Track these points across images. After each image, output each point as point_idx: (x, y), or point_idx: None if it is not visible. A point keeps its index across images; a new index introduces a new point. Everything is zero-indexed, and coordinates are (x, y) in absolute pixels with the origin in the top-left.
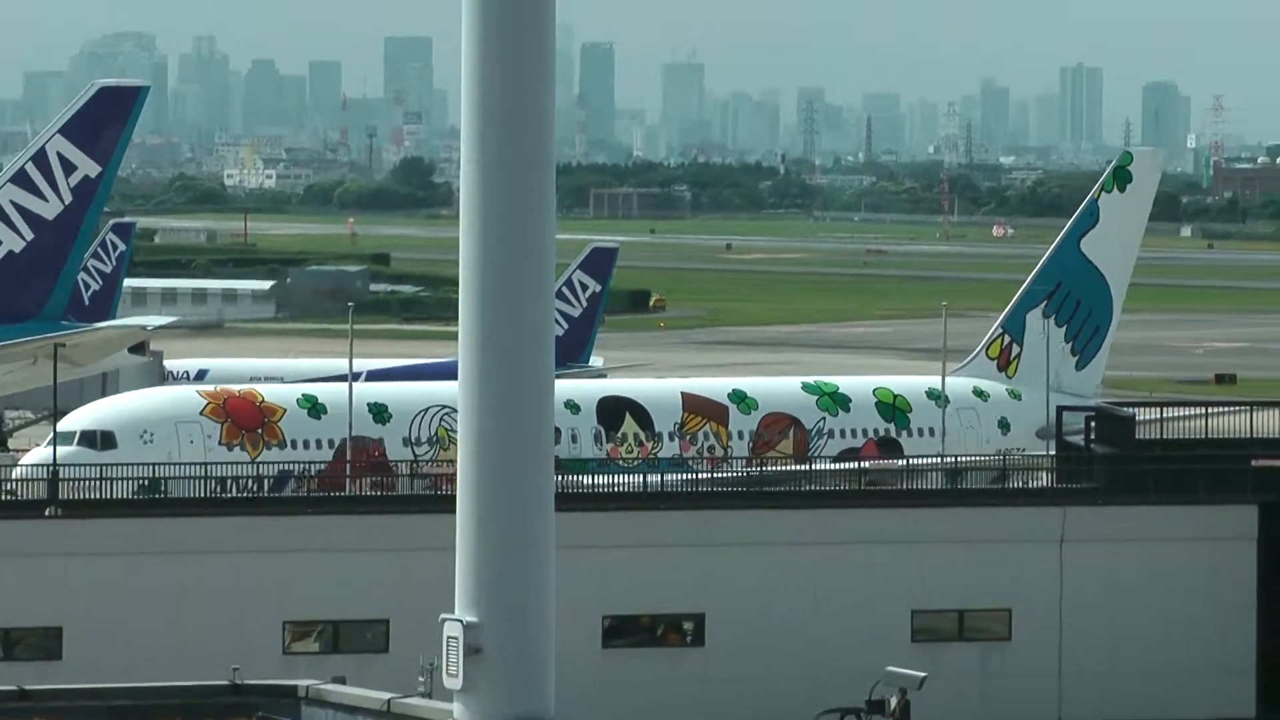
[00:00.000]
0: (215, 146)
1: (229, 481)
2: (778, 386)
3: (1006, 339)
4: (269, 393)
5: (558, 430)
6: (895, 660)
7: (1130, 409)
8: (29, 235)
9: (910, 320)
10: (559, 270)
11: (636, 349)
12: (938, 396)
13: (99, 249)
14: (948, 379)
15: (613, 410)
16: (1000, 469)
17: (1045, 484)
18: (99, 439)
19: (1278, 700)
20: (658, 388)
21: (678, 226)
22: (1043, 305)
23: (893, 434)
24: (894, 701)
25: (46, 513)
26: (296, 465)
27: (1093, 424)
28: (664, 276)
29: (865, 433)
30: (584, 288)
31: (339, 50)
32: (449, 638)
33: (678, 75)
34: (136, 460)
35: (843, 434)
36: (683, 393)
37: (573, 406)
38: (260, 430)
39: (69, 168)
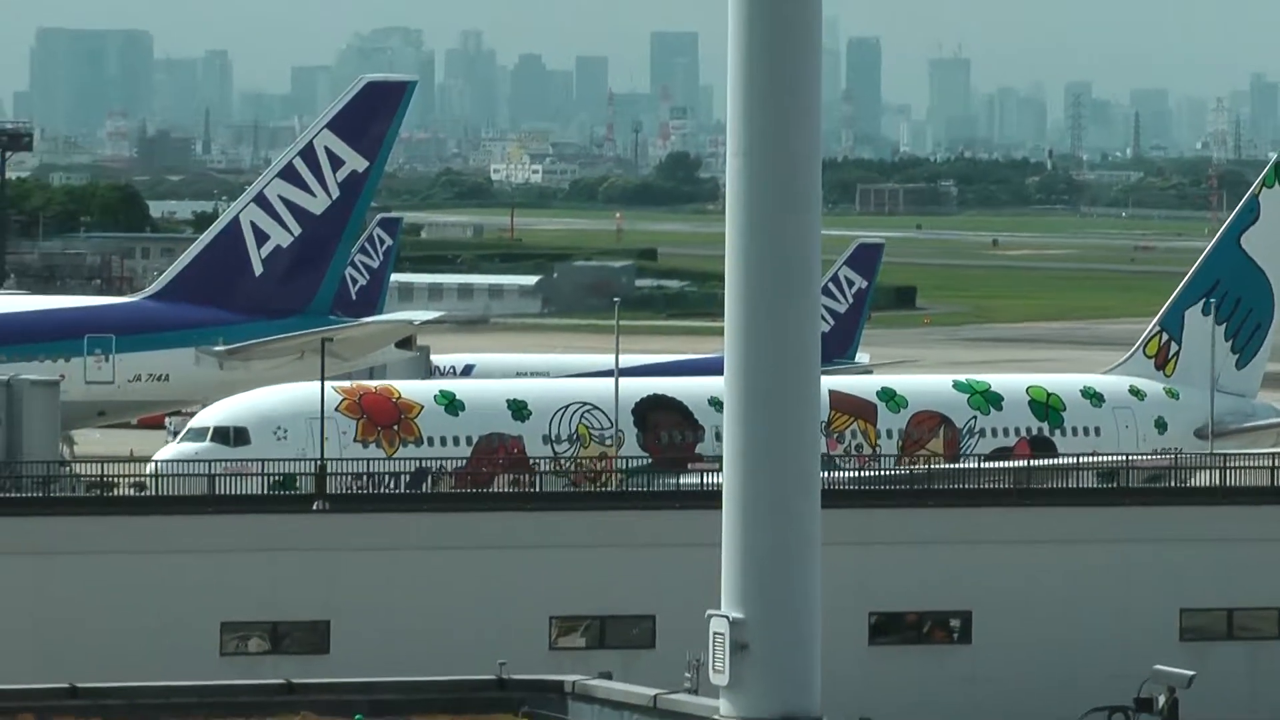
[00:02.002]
0: (482, 142)
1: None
2: (928, 384)
3: (1164, 337)
4: (405, 389)
5: (701, 427)
6: (1163, 659)
7: None
8: (297, 230)
9: None
10: (825, 266)
11: (902, 345)
12: (1093, 395)
13: (366, 244)
14: (1101, 378)
15: None
16: (1271, 467)
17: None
18: (232, 435)
19: None
20: None
21: (944, 222)
22: (1201, 302)
23: (1045, 433)
24: (1162, 700)
25: (314, 506)
26: (434, 462)
27: None
28: (930, 272)
29: (1017, 431)
30: (850, 284)
31: (606, 46)
32: (715, 634)
33: (944, 70)
34: (270, 456)
35: (994, 433)
36: (830, 390)
37: (718, 404)
38: (396, 427)
39: (337, 163)
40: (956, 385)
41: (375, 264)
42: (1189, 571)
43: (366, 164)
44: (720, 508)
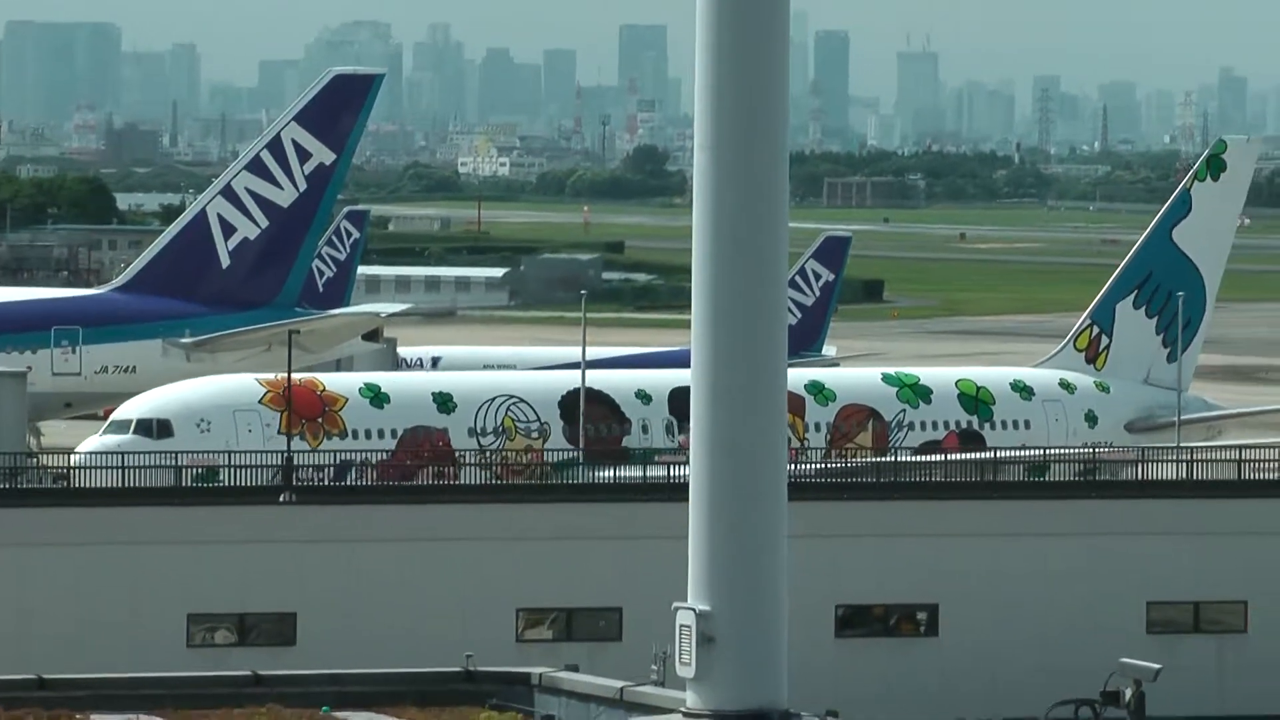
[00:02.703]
0: (449, 134)
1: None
2: (857, 378)
3: (1095, 330)
4: (330, 381)
5: (628, 420)
6: (1130, 652)
7: None
8: (264, 222)
9: None
10: (792, 259)
11: (869, 338)
12: (1023, 389)
13: (333, 236)
14: (1031, 371)
15: (685, 401)
16: (1238, 460)
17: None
18: (155, 427)
19: None
20: None
21: (911, 215)
22: (1133, 295)
23: (975, 426)
24: (1128, 693)
25: (280, 499)
26: (357, 455)
27: None
28: (898, 266)
29: (946, 425)
30: (817, 277)
31: (574, 39)
32: (682, 626)
33: (912, 64)
34: (195, 449)
35: (923, 426)
36: None
37: (644, 396)
38: (320, 419)
39: (304, 155)
40: (885, 378)
41: (342, 256)
42: (1156, 564)
43: (334, 157)
44: (686, 500)
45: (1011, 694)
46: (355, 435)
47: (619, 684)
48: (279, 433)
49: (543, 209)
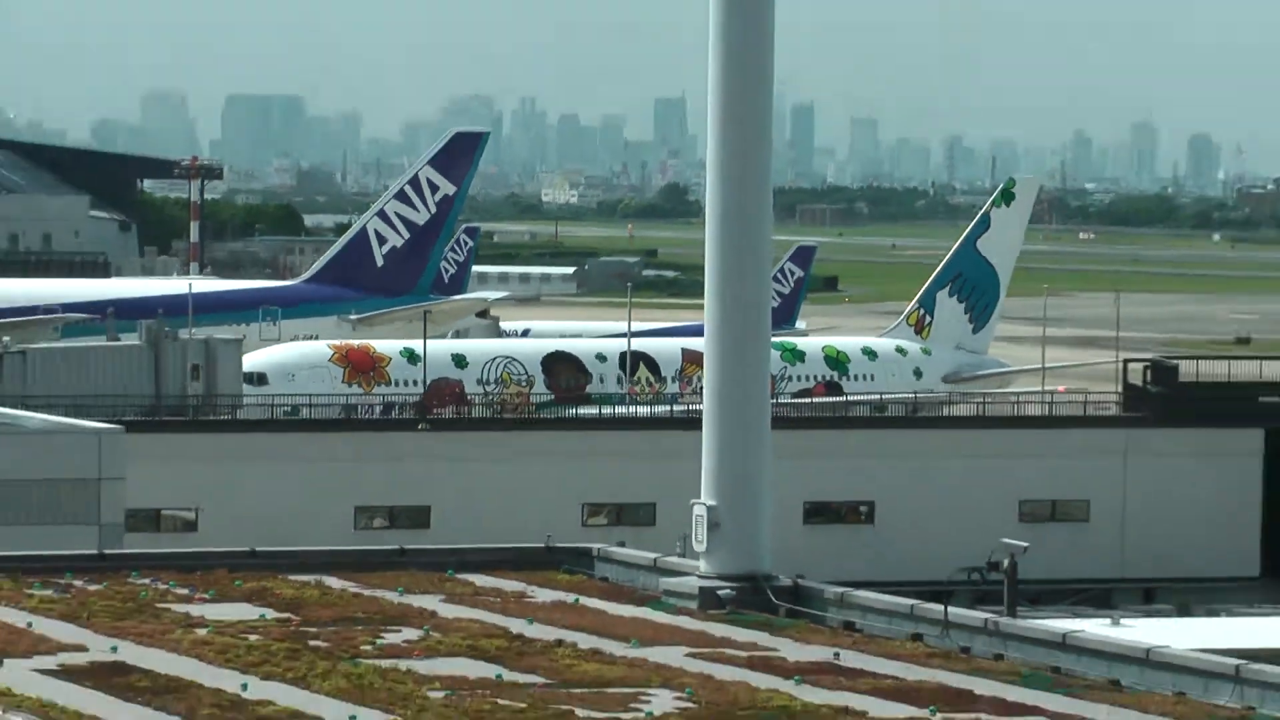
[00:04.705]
0: (536, 174)
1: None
2: None
3: (922, 311)
4: (378, 346)
5: (590, 375)
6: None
7: (1175, 361)
8: (405, 235)
9: None
10: (774, 262)
11: (828, 318)
12: (870, 352)
13: (454, 245)
14: (876, 339)
15: (631, 361)
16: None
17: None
18: (255, 378)
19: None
20: (665, 345)
21: (858, 231)
22: (948, 286)
23: (836, 379)
24: (1005, 562)
25: (419, 427)
26: (398, 397)
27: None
28: (848, 267)
29: (815, 378)
30: (792, 274)
31: (623, 107)
32: (697, 516)
33: (860, 126)
34: (285, 393)
35: (798, 379)
36: (683, 349)
37: (601, 357)
38: (372, 373)
39: (434, 188)
40: (774, 345)
41: (461, 259)
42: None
43: (455, 189)
44: (700, 429)
45: (930, 562)
46: (396, 384)
47: (653, 555)
48: (342, 381)
49: (601, 226)
